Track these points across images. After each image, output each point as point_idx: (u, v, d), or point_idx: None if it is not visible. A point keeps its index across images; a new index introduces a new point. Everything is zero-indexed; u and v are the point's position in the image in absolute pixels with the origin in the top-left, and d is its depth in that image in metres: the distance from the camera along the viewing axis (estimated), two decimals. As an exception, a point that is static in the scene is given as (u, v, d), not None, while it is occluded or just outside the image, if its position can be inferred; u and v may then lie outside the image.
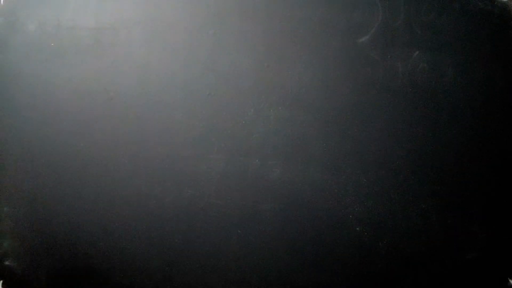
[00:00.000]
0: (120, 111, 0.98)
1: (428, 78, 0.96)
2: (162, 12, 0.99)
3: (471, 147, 0.95)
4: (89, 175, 0.99)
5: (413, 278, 0.96)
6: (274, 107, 0.97)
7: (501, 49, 0.96)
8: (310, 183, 0.96)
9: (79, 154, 0.99)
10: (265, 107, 0.97)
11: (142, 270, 0.98)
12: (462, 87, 0.96)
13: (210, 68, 0.98)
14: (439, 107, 0.96)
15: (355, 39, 0.96)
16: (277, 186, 0.97)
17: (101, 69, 0.99)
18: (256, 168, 0.97)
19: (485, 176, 0.96)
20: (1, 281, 1.00)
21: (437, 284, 0.96)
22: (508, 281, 0.96)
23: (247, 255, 0.98)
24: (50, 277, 1.00)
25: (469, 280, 0.96)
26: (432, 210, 0.96)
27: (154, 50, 0.98)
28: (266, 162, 0.97)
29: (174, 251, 0.98)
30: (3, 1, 1.00)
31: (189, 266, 0.98)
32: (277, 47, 0.97)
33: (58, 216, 0.99)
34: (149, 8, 0.99)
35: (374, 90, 0.96)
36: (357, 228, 0.96)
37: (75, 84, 0.99)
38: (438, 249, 0.96)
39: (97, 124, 0.98)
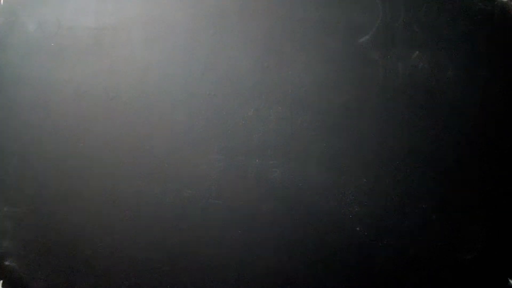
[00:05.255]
0: (120, 111, 0.98)
1: (428, 78, 0.96)
2: (162, 12, 0.99)
3: (471, 147, 0.95)
4: (89, 174, 0.99)
5: (413, 278, 0.96)
6: (274, 107, 0.97)
7: (501, 49, 0.96)
8: (310, 183, 0.96)
9: (79, 154, 0.99)
10: (265, 107, 0.97)
11: (142, 270, 0.98)
12: (462, 87, 0.96)
13: (210, 68, 0.98)
14: (439, 107, 0.96)
15: (355, 39, 0.96)
16: (277, 186, 0.97)
17: (101, 69, 0.99)
18: (256, 168, 0.97)
19: (485, 176, 0.96)
20: (1, 281, 1.00)
21: (437, 284, 0.96)
22: (508, 281, 0.96)
23: (247, 255, 0.97)
24: (50, 277, 1.00)
25: (469, 280, 0.96)
26: (432, 210, 0.96)
27: (154, 50, 0.98)
28: (266, 162, 0.97)
29: (174, 251, 0.98)
30: (3, 1, 1.00)
31: (189, 266, 0.98)
32: (277, 47, 0.97)
33: (58, 216, 0.99)
34: (149, 8, 0.99)
35: (374, 90, 0.96)
36: (357, 228, 0.96)
37: (75, 84, 0.99)
38: (438, 249, 0.96)
39: (97, 124, 0.98)
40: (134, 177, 0.98)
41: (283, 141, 0.97)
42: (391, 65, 0.96)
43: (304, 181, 0.97)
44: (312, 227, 0.97)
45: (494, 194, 0.96)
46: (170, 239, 0.98)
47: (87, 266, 0.99)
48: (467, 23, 0.96)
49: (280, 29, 0.97)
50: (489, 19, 0.96)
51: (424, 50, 0.96)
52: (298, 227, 0.97)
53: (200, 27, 0.98)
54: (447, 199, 0.96)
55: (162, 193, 0.98)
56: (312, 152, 0.97)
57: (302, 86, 0.97)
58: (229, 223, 0.97)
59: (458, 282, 0.96)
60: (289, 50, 0.97)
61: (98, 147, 0.98)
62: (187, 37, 0.98)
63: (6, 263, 1.00)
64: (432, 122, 0.96)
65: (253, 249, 0.97)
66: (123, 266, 0.99)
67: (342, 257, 0.97)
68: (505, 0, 0.96)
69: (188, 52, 0.98)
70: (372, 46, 0.96)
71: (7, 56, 1.00)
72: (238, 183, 0.97)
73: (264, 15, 0.98)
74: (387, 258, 0.96)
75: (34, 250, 1.00)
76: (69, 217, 0.99)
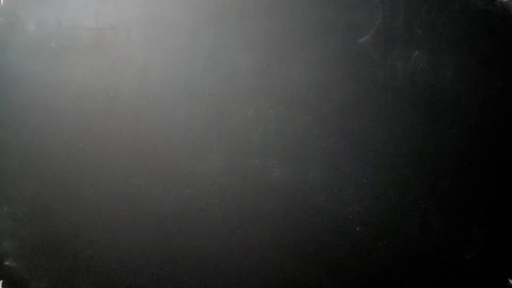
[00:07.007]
0: (120, 111, 0.98)
1: (428, 78, 0.96)
2: (162, 12, 0.99)
3: (471, 147, 0.95)
4: (89, 175, 0.99)
5: (413, 278, 0.96)
6: (274, 107, 0.97)
7: (501, 49, 0.96)
8: (310, 183, 0.97)
9: (79, 154, 0.99)
10: (265, 107, 0.97)
11: (142, 270, 0.98)
12: (462, 87, 0.96)
13: (210, 68, 0.98)
14: (439, 107, 0.96)
15: (355, 39, 0.96)
16: (277, 186, 0.97)
17: (101, 69, 0.99)
18: (256, 168, 0.97)
19: (485, 176, 0.96)
20: (1, 281, 1.00)
21: (437, 284, 0.96)
22: (508, 281, 0.96)
23: (247, 255, 0.98)
24: (50, 277, 1.00)
25: (469, 280, 0.96)
26: (432, 210, 0.96)
27: (154, 50, 0.98)
28: (266, 162, 0.97)
29: (174, 251, 0.98)
30: (3, 1, 1.00)
31: (189, 266, 0.98)
32: (277, 47, 0.97)
33: (58, 216, 0.99)
34: (149, 8, 0.99)
35: (374, 90, 0.96)
36: (357, 228, 0.96)
37: (75, 84, 0.99)
38: (438, 249, 0.96)
39: (97, 124, 0.99)
40: (134, 177, 0.98)
41: (283, 141, 0.97)
42: (391, 65, 0.96)
43: (304, 181, 0.97)
44: (312, 227, 0.97)
45: (494, 194, 0.96)
46: (170, 239, 0.98)
47: (87, 266, 0.99)
48: (467, 23, 0.96)
49: (280, 29, 0.97)
50: (489, 19, 0.96)
51: (424, 50, 0.96)
52: (298, 227, 0.97)
53: (200, 27, 0.98)
54: (447, 199, 0.96)
55: (162, 193, 0.98)
56: (312, 152, 0.97)
57: (302, 86, 0.97)
58: (229, 223, 0.98)
59: (458, 282, 0.96)
60: (289, 50, 0.97)
61: (98, 147, 0.99)
62: (187, 37, 0.98)
63: (6, 263, 1.00)
64: (432, 122, 0.96)
65: (253, 249, 0.97)
66: (123, 266, 0.99)
67: (342, 257, 0.97)
68: (505, 0, 0.96)
69: (188, 52, 0.98)
70: (372, 46, 0.96)
71: (7, 56, 1.00)
72: (238, 183, 0.97)
73: (264, 15, 0.98)
74: (387, 258, 0.96)
75: (34, 250, 1.00)
76: (69, 217, 0.99)
